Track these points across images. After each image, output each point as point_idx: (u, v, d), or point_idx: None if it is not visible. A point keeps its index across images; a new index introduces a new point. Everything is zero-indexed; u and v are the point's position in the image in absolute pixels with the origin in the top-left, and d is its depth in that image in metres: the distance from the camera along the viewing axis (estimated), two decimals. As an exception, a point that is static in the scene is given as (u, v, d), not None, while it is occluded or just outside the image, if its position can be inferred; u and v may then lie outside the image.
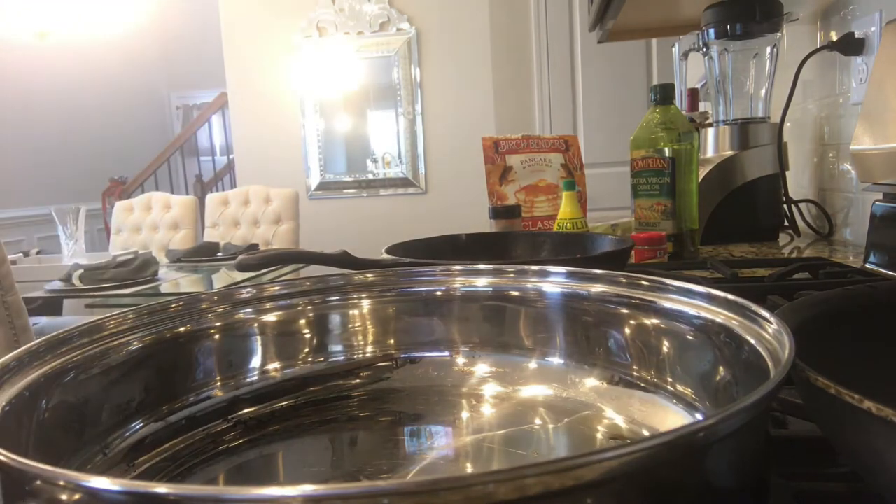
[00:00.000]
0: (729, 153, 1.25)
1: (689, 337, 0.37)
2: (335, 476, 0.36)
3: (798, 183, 1.36)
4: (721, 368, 0.35)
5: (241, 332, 0.45)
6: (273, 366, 0.45)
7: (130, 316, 0.40)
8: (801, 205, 1.27)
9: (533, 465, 0.18)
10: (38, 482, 0.20)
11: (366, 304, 0.48)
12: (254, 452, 0.38)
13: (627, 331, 0.41)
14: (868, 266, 0.82)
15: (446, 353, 0.46)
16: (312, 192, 3.62)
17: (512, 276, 0.47)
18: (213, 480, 0.36)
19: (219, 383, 0.42)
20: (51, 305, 2.07)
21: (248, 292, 0.46)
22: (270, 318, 0.46)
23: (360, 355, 0.47)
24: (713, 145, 1.31)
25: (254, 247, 2.59)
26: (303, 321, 0.47)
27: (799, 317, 0.35)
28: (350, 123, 3.57)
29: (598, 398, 0.40)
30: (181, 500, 0.18)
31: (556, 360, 0.44)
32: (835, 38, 1.11)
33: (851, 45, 1.06)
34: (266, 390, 0.43)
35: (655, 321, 0.39)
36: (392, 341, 0.47)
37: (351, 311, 0.48)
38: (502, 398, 0.43)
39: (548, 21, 2.99)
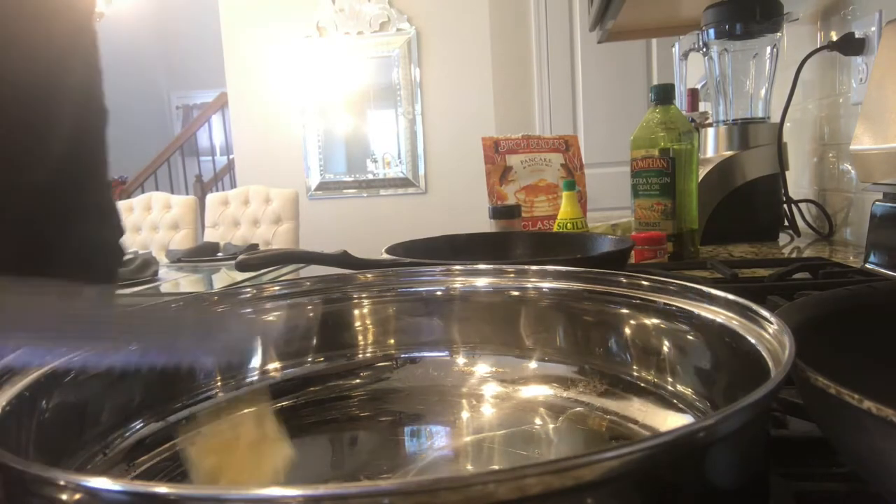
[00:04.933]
0: (729, 153, 1.25)
1: (689, 337, 0.37)
2: (335, 476, 0.36)
3: (798, 183, 1.36)
4: (721, 368, 0.35)
5: (242, 333, 0.45)
6: (273, 366, 0.45)
7: (130, 316, 0.40)
8: (801, 205, 1.27)
9: (533, 465, 0.18)
10: (38, 482, 0.20)
11: (366, 304, 0.48)
12: (254, 452, 0.38)
13: (627, 331, 0.41)
14: (868, 266, 0.82)
15: (446, 353, 0.46)
16: (312, 192, 3.62)
17: (512, 276, 0.47)
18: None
19: (219, 383, 0.42)
20: (51, 305, 2.07)
21: (248, 292, 0.46)
22: (270, 318, 0.46)
23: (360, 355, 0.47)
24: (713, 145, 1.30)
25: (254, 247, 2.59)
26: (303, 321, 0.47)
27: (799, 317, 0.35)
28: (350, 123, 3.58)
29: (597, 398, 0.40)
30: (181, 500, 0.18)
31: (556, 360, 0.44)
32: (835, 38, 1.11)
33: (851, 45, 1.06)
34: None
35: (655, 321, 0.39)
36: (392, 341, 0.47)
37: (351, 311, 0.48)
38: (502, 398, 0.43)
39: (548, 21, 2.99)
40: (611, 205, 1.99)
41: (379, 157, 3.59)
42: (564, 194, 1.09)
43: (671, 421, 0.37)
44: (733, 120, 1.30)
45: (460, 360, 0.46)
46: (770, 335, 0.30)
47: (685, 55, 1.77)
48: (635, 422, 0.38)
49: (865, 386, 0.24)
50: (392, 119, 3.54)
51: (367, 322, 0.48)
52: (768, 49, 1.24)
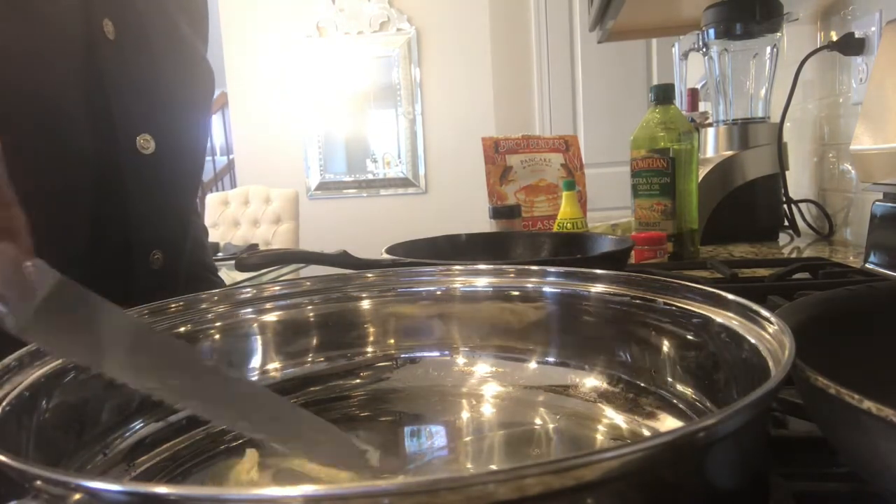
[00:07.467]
0: (729, 153, 1.25)
1: (689, 337, 0.37)
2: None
3: (798, 183, 1.36)
4: (721, 368, 0.35)
5: (241, 332, 0.45)
6: (273, 366, 0.45)
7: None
8: (801, 205, 1.27)
9: (533, 465, 0.18)
10: (38, 482, 0.20)
11: (366, 304, 0.48)
12: (254, 452, 0.38)
13: (627, 331, 0.41)
14: (868, 266, 0.82)
15: (446, 353, 0.46)
16: (312, 193, 3.62)
17: (512, 276, 0.47)
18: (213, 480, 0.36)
19: (219, 383, 0.42)
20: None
21: (248, 292, 0.46)
22: (270, 318, 0.46)
23: (360, 355, 0.47)
24: (713, 145, 1.30)
25: (254, 247, 2.59)
26: (303, 321, 0.47)
27: (799, 317, 0.35)
28: (350, 123, 3.57)
29: (598, 398, 0.40)
30: (181, 500, 0.18)
31: (556, 360, 0.44)
32: (835, 38, 1.11)
33: (851, 45, 1.06)
34: (266, 390, 0.43)
35: (656, 321, 0.39)
36: (392, 341, 0.47)
37: (351, 311, 0.48)
38: (502, 398, 0.43)
39: (548, 21, 2.99)
40: (611, 205, 1.99)
41: (379, 157, 3.59)
42: (564, 194, 1.09)
43: (671, 421, 0.37)
44: (733, 120, 1.30)
45: (460, 360, 0.46)
46: (770, 335, 0.30)
47: (685, 55, 1.77)
48: (635, 422, 0.38)
49: (865, 386, 0.24)
50: (392, 119, 3.54)
51: (367, 322, 0.48)
52: (768, 49, 1.24)
